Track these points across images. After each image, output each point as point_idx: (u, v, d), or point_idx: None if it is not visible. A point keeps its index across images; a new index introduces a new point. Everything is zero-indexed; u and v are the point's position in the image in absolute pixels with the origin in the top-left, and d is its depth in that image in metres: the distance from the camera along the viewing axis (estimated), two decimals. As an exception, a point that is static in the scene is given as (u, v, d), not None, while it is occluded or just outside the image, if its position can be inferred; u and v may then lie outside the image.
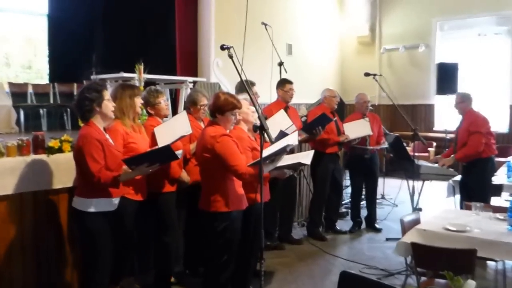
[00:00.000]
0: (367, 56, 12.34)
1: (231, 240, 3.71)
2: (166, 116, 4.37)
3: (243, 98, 3.98)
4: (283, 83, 6.04)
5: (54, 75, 8.73)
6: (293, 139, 3.69)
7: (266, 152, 3.43)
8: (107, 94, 3.41)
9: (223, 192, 3.62)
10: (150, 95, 4.26)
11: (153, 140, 4.01)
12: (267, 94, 7.20)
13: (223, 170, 3.59)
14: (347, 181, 7.88)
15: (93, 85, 3.44)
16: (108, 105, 3.40)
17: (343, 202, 7.88)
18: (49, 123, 7.71)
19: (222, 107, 3.62)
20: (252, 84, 5.36)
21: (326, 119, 5.91)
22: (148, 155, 3.41)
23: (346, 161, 7.26)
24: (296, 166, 3.75)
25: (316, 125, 5.88)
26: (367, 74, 6.78)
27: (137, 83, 5.34)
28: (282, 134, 4.46)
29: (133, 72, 5.52)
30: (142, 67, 5.33)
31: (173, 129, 4.02)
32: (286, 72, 6.74)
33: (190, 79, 6.83)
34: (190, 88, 6.47)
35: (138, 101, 3.90)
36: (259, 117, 3.30)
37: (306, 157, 3.72)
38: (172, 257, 4.33)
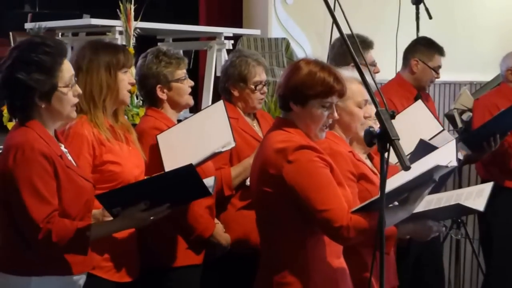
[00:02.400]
0: None
1: None
2: (187, 107, 3.67)
3: (349, 76, 3.04)
4: (428, 50, 4.53)
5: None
6: (448, 154, 2.91)
7: (393, 183, 2.66)
8: (67, 70, 2.71)
9: (300, 268, 2.80)
10: (157, 64, 3.39)
11: (155, 158, 3.24)
12: (389, 64, 5.48)
13: (302, 220, 2.79)
14: None
15: (34, 48, 2.72)
16: (66, 98, 2.71)
17: None
18: None
19: (304, 90, 2.78)
20: (368, 45, 4.14)
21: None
22: (147, 187, 2.81)
23: None
24: (450, 212, 3.26)
25: (491, 131, 4.40)
26: None
27: (119, 41, 4.52)
28: (424, 147, 3.59)
29: (114, 17, 4.57)
30: (132, 7, 4.37)
31: (198, 137, 3.32)
32: (430, 17, 5.62)
33: (228, 31, 5.64)
34: (228, 51, 5.33)
35: (126, 77, 3.13)
36: (378, 115, 2.39)
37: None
38: None
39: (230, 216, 3.61)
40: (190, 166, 2.74)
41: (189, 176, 2.77)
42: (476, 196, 3.08)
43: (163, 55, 3.45)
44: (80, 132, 3.00)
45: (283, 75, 2.91)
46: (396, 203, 2.82)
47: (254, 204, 2.99)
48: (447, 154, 2.90)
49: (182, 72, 3.45)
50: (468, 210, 3.07)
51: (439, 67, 4.52)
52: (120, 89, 3.12)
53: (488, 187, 3.13)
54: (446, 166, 2.70)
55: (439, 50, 4.55)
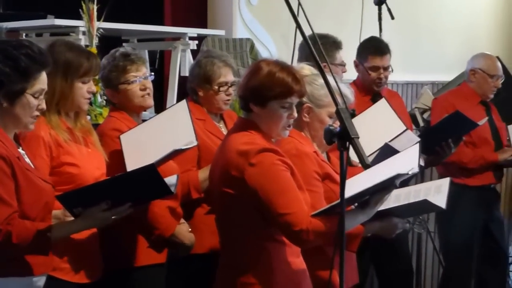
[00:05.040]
0: None
1: None
2: (145, 109, 3.57)
3: (310, 73, 3.11)
4: (363, 52, 4.55)
5: None
6: (411, 159, 2.91)
7: (354, 187, 2.72)
8: (41, 82, 2.70)
9: (263, 269, 2.83)
10: (116, 67, 3.41)
11: (116, 159, 3.26)
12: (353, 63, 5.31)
13: (262, 222, 2.80)
14: None
15: (19, 47, 2.73)
16: (30, 107, 2.71)
17: None
18: None
19: (263, 91, 2.82)
20: (337, 45, 4.20)
21: (463, 123, 4.44)
22: (108, 187, 2.83)
23: None
24: (415, 210, 3.23)
25: (442, 135, 4.39)
26: None
27: (83, 41, 4.47)
28: (389, 151, 3.57)
29: (77, 17, 4.51)
30: (95, 7, 4.36)
31: (160, 136, 3.33)
32: (392, 18, 5.60)
33: (192, 31, 5.62)
34: (193, 51, 5.41)
35: (86, 86, 3.11)
36: (338, 113, 2.49)
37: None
38: None
39: (198, 219, 3.65)
40: (151, 166, 2.75)
41: (150, 175, 2.78)
42: (435, 192, 3.11)
43: (114, 59, 3.47)
44: (37, 134, 3.00)
45: (243, 75, 2.93)
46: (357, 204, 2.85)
47: (214, 204, 3.01)
48: (409, 159, 2.93)
49: (129, 76, 3.45)
50: (431, 208, 3.11)
51: (374, 67, 4.46)
52: (75, 97, 3.09)
53: (445, 182, 3.16)
54: (407, 174, 2.72)
55: (374, 50, 4.52)
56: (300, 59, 4.12)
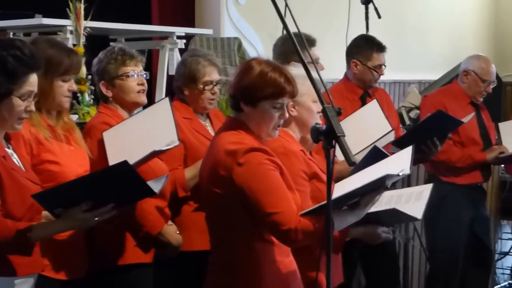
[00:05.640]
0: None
1: None
2: (139, 106, 3.56)
3: (302, 73, 2.87)
4: (365, 50, 4.48)
5: None
6: (403, 161, 2.89)
7: (344, 188, 2.76)
8: (30, 84, 2.68)
9: (252, 269, 2.82)
10: (115, 60, 3.42)
11: (102, 157, 3.25)
12: (340, 62, 5.22)
13: (251, 221, 2.79)
14: (507, 243, 6.46)
15: (8, 48, 2.71)
16: (16, 108, 2.69)
17: (498, 287, 6.26)
18: None
19: (255, 91, 2.80)
20: (311, 42, 4.15)
21: (446, 121, 4.43)
22: (84, 185, 2.74)
23: (505, 201, 5.89)
24: (400, 218, 3.15)
25: (426, 134, 4.36)
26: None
27: (70, 40, 4.47)
28: (377, 153, 3.54)
29: (65, 16, 4.51)
30: (82, 6, 4.36)
31: (142, 135, 3.31)
32: (379, 17, 5.57)
33: (180, 30, 5.66)
34: (181, 50, 5.44)
35: (66, 84, 3.07)
36: (324, 112, 2.48)
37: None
38: None
39: (185, 218, 3.63)
40: (124, 163, 2.73)
41: (125, 173, 2.75)
42: (416, 199, 3.11)
43: (111, 52, 3.45)
44: (16, 131, 2.92)
45: (234, 74, 2.92)
46: (345, 206, 2.84)
47: (204, 203, 2.99)
48: (402, 160, 2.92)
49: (127, 69, 3.44)
50: (404, 217, 3.09)
51: (380, 65, 4.42)
52: (55, 95, 3.06)
53: (427, 189, 3.15)
54: (397, 175, 2.71)
55: (377, 48, 4.48)
56: (275, 58, 4.10)
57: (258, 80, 2.80)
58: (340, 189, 2.72)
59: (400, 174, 2.70)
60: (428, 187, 3.18)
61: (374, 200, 2.74)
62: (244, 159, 2.71)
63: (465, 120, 4.39)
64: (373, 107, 4.17)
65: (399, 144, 4.34)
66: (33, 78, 2.68)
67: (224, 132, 2.84)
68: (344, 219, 2.74)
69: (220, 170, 2.74)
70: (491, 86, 4.70)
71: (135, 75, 3.39)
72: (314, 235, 2.67)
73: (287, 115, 2.85)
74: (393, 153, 4.51)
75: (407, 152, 2.99)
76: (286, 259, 2.83)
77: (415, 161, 4.54)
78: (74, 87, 3.14)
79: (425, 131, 4.41)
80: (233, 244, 2.80)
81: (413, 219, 3.16)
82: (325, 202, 2.62)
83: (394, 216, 3.00)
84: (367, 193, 2.72)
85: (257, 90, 2.79)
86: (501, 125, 4.87)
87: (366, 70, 4.40)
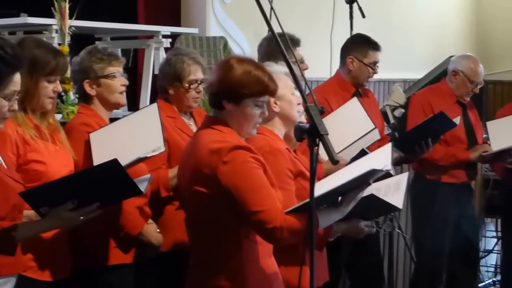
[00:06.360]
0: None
1: None
2: (119, 107, 3.56)
3: (281, 71, 3.12)
4: (362, 47, 4.52)
5: None
6: (383, 157, 2.87)
7: (325, 185, 2.72)
8: (13, 84, 2.64)
9: (234, 269, 2.79)
10: (101, 59, 3.37)
11: (85, 154, 3.25)
12: (325, 62, 5.67)
13: (235, 221, 2.76)
14: (491, 241, 6.46)
15: None
16: (0, 104, 2.66)
17: (482, 284, 6.30)
18: None
19: (239, 89, 2.78)
20: (295, 42, 4.15)
21: (445, 123, 4.46)
22: (72, 184, 2.73)
23: (489, 199, 5.91)
24: (381, 208, 3.06)
25: (421, 135, 4.43)
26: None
27: (56, 39, 4.46)
28: (363, 156, 3.43)
29: (50, 15, 4.48)
30: (67, 5, 4.35)
31: (129, 139, 3.29)
32: (363, 16, 5.57)
33: (166, 30, 5.67)
34: (167, 49, 5.44)
35: (51, 85, 3.04)
36: (307, 111, 2.50)
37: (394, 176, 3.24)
38: None
39: (168, 218, 3.61)
40: (114, 161, 2.71)
41: (114, 171, 2.74)
42: (394, 190, 3.09)
43: (97, 51, 3.41)
44: (3, 131, 2.93)
45: (215, 73, 2.91)
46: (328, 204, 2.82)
47: (185, 204, 2.97)
48: (382, 157, 2.93)
49: (113, 69, 3.41)
50: (387, 205, 3.06)
51: (375, 62, 4.46)
52: (40, 95, 3.03)
53: (404, 178, 3.14)
54: (381, 170, 2.72)
55: (373, 46, 4.53)
56: (261, 59, 4.16)
57: (242, 78, 2.81)
58: (324, 186, 2.71)
59: (384, 169, 2.72)
60: (404, 176, 3.18)
61: (357, 197, 2.74)
62: (229, 157, 2.70)
63: (457, 122, 4.43)
64: (353, 105, 4.16)
65: (398, 143, 4.43)
66: (17, 78, 2.65)
67: (204, 131, 2.82)
68: (329, 217, 2.73)
69: (204, 169, 2.71)
70: (478, 87, 4.72)
71: (119, 76, 3.40)
72: (299, 232, 2.66)
73: (267, 113, 2.86)
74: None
75: (386, 149, 3.00)
76: (269, 259, 2.82)
77: (404, 161, 4.66)
78: (59, 88, 3.13)
79: (424, 131, 4.44)
80: (217, 244, 2.78)
81: (395, 209, 3.16)
82: (309, 199, 2.64)
83: (375, 207, 3.00)
84: (350, 190, 2.71)
85: (242, 88, 2.79)
86: (489, 124, 4.88)
87: (362, 67, 4.43)
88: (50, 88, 3.01)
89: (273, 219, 2.65)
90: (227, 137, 2.74)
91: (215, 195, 2.69)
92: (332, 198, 2.74)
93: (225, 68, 2.84)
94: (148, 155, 3.22)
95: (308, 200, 2.64)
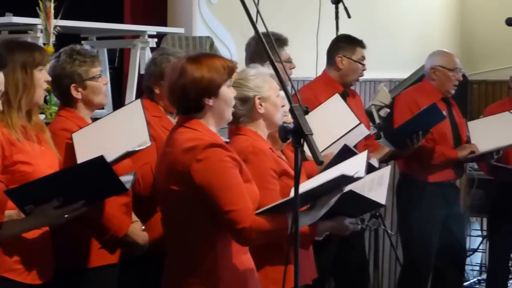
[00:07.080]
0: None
1: None
2: (100, 107, 3.62)
3: (266, 73, 3.14)
4: (349, 45, 4.59)
5: None
6: (358, 164, 2.90)
7: (307, 185, 2.74)
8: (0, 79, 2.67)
9: (209, 268, 2.79)
10: (71, 63, 3.32)
11: (70, 158, 3.23)
12: (311, 61, 5.68)
13: (209, 219, 2.76)
14: (477, 240, 6.58)
15: None
16: None
17: (467, 283, 6.35)
18: None
19: (215, 81, 2.80)
20: (282, 42, 4.19)
21: (436, 115, 4.53)
22: (58, 181, 2.73)
23: (474, 198, 6.00)
24: (364, 204, 3.04)
25: (412, 129, 4.47)
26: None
27: (41, 39, 4.45)
28: (347, 152, 3.60)
29: (34, 15, 4.50)
30: (51, 4, 4.37)
31: (114, 136, 3.27)
32: (349, 16, 5.64)
33: (152, 29, 5.65)
34: (152, 49, 5.39)
35: (42, 76, 3.01)
36: (292, 111, 2.49)
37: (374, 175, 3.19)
38: None
39: (156, 216, 3.45)
40: (100, 158, 2.70)
41: (100, 168, 2.73)
42: (378, 185, 3.10)
43: (77, 54, 3.39)
44: None
45: (175, 82, 2.88)
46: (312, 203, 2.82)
47: (160, 202, 2.98)
48: (357, 164, 2.96)
49: (97, 70, 3.40)
50: (369, 201, 3.06)
51: (363, 57, 4.52)
52: (36, 88, 3.03)
53: (386, 172, 3.15)
54: (352, 177, 2.73)
55: (360, 43, 4.59)
56: (249, 58, 4.22)
57: (213, 70, 2.82)
58: (303, 188, 2.71)
59: (355, 176, 2.73)
60: (387, 170, 3.20)
61: (330, 203, 2.73)
62: (204, 155, 2.69)
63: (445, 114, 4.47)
64: (335, 101, 4.17)
65: (390, 137, 4.50)
66: (1, 78, 2.64)
67: (179, 129, 2.83)
68: (300, 220, 2.71)
69: (178, 167, 2.72)
70: (460, 74, 4.75)
71: (101, 75, 3.41)
72: (269, 234, 2.69)
73: (235, 92, 2.90)
74: (382, 146, 4.59)
75: (362, 157, 3.02)
76: (243, 256, 2.83)
77: (394, 156, 4.73)
78: (48, 77, 3.12)
79: (416, 124, 4.48)
80: (191, 243, 2.78)
81: (378, 205, 3.19)
82: (279, 201, 2.71)
83: (357, 204, 3.01)
84: (322, 195, 2.73)
85: (217, 78, 2.80)
86: (470, 124, 4.91)
87: (352, 64, 4.47)
88: (42, 79, 3.01)
89: (243, 219, 2.68)
90: (202, 135, 2.74)
91: (189, 193, 2.69)
92: (307, 201, 2.75)
93: (185, 72, 2.85)
94: (136, 149, 3.22)
95: (278, 202, 2.71)
